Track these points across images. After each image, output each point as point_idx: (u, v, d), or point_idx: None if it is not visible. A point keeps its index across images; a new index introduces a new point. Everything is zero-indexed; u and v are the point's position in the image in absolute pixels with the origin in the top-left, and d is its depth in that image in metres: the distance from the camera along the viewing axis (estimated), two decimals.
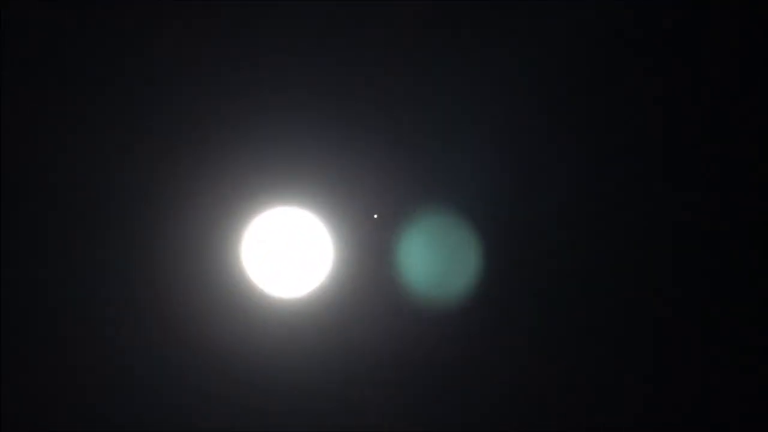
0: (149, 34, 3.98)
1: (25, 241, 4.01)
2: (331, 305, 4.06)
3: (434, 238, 4.04)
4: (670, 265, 4.25)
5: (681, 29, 4.18)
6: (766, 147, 4.29)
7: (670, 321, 4.27)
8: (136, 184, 3.88)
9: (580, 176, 4.15)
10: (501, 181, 4.09)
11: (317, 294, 4.08)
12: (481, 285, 4.02)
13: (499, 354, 4.03)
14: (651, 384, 4.27)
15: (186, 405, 4.00)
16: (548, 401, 4.16)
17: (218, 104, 4.00)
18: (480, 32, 4.10)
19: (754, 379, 4.35)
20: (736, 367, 4.37)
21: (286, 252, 4.10)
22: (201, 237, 3.97)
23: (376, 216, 3.97)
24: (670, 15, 4.19)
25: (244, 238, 4.05)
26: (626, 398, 4.27)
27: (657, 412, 4.29)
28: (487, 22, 4.09)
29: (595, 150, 4.16)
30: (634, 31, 4.16)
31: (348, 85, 4.03)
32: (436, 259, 4.06)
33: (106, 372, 4.01)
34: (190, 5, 3.99)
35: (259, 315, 4.04)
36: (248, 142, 3.99)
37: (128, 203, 3.91)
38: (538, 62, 4.10)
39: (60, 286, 3.98)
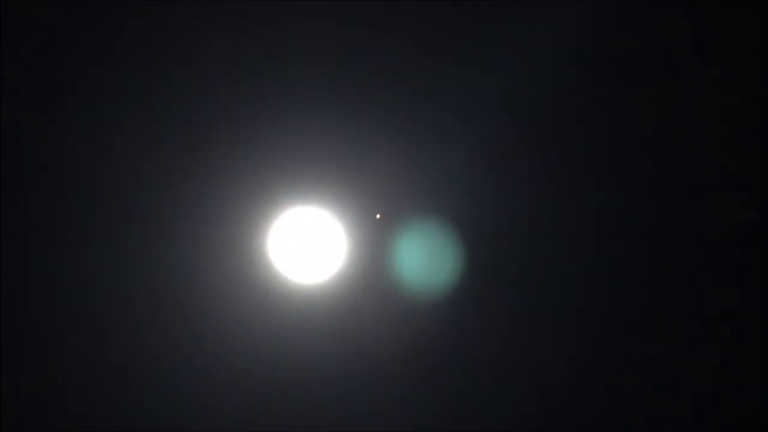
0: (178, 34, 4.20)
1: (65, 234, 4.36)
2: (345, 290, 4.46)
3: (430, 235, 4.41)
4: (646, 260, 4.46)
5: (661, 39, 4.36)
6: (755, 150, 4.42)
7: (648, 308, 4.47)
8: (182, 189, 4.33)
9: (558, 184, 4.41)
10: (490, 186, 4.40)
11: (333, 281, 4.48)
12: (469, 275, 4.37)
13: (485, 334, 4.37)
14: (632, 365, 4.48)
15: (218, 378, 4.44)
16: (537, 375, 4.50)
17: (254, 119, 4.36)
18: (487, 41, 4.31)
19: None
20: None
21: (306, 244, 4.48)
22: (234, 232, 4.41)
23: (378, 216, 4.37)
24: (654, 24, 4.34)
25: (271, 233, 4.46)
26: (607, 379, 4.50)
27: (641, 393, 4.51)
28: (491, 33, 4.31)
29: (575, 160, 4.41)
30: (617, 41, 4.34)
31: (360, 101, 4.34)
32: (433, 252, 4.42)
33: (147, 353, 4.42)
34: (217, 5, 4.22)
35: (283, 298, 4.45)
36: (278, 152, 4.40)
37: (172, 204, 4.34)
38: (533, 72, 4.33)
39: (106, 275, 4.36)
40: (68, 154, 4.33)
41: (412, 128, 4.38)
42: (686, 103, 4.37)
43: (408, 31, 4.31)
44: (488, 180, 4.41)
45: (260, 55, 4.30)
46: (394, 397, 4.44)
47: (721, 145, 4.39)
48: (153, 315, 4.43)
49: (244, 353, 4.46)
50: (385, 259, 4.45)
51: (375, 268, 4.45)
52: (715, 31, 4.34)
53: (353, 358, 4.45)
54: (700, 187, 4.41)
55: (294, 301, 4.47)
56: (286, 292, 4.47)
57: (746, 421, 4.47)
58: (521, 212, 4.39)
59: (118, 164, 4.34)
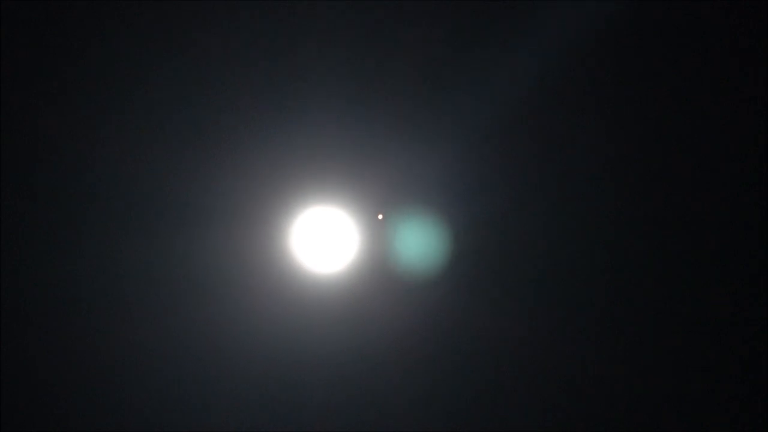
0: (198, 36, 4.35)
1: (107, 229, 4.58)
2: (357, 278, 4.84)
3: (430, 228, 4.83)
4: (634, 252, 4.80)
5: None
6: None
7: (637, 293, 4.81)
8: (213, 190, 4.66)
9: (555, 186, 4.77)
10: (488, 185, 4.79)
11: (346, 270, 4.86)
12: (465, 264, 4.80)
13: (479, 315, 4.78)
14: (623, 349, 4.80)
15: (243, 356, 4.75)
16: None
17: (282, 132, 4.68)
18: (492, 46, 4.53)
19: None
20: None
21: (323, 238, 4.87)
22: (260, 229, 4.77)
23: (380, 216, 4.76)
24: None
25: (292, 230, 4.84)
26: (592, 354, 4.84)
27: (631, 377, 4.80)
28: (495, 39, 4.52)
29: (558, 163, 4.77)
30: (616, 45, 4.53)
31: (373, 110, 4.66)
32: (430, 242, 4.83)
33: (180, 340, 4.69)
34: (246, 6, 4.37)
35: (303, 286, 4.83)
36: (300, 160, 4.76)
37: (207, 205, 4.66)
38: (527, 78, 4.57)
39: (141, 270, 4.63)
40: (103, 154, 4.54)
41: (415, 136, 4.73)
42: (682, 103, 4.60)
43: (418, 35, 4.53)
44: (486, 179, 4.75)
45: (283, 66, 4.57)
46: (398, 374, 4.82)
47: (718, 144, 4.62)
48: (187, 301, 4.76)
49: (266, 334, 4.81)
50: (391, 251, 4.85)
51: (383, 259, 4.85)
52: (715, 30, 4.49)
53: (363, 338, 4.83)
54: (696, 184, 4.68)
55: (312, 288, 4.85)
56: (304, 281, 4.85)
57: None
58: (519, 210, 4.75)
59: (159, 169, 4.63)
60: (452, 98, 4.66)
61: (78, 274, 4.65)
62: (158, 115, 4.57)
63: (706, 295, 4.80)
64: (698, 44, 4.49)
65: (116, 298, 4.69)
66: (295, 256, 4.87)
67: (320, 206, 4.88)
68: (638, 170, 4.71)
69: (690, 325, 4.80)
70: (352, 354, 4.87)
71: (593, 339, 4.83)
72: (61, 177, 4.58)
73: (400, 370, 4.86)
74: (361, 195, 4.84)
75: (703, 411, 4.78)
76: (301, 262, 4.89)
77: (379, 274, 4.87)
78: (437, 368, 4.89)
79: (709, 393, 4.78)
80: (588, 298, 4.82)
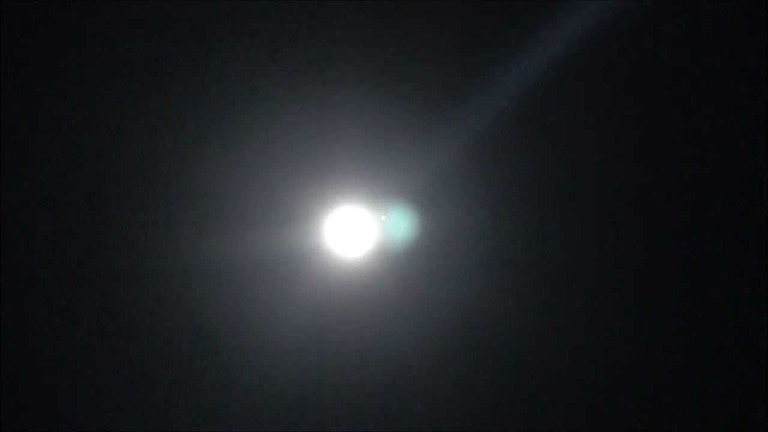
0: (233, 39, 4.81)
1: (162, 220, 5.23)
2: (376, 262, 5.71)
3: (423, 222, 5.73)
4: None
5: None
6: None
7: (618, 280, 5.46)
8: (265, 193, 5.57)
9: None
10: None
11: (368, 254, 5.70)
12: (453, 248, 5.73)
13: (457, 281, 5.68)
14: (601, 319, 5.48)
15: (290, 323, 5.61)
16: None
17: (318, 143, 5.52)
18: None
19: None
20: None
21: (349, 230, 5.68)
22: (299, 224, 5.65)
23: (382, 218, 5.62)
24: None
25: (326, 224, 5.67)
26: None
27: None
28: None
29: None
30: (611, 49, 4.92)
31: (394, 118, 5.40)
32: (432, 235, 5.77)
33: (227, 319, 5.42)
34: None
35: (333, 267, 5.69)
36: (333, 168, 5.60)
37: (256, 203, 5.53)
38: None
39: (205, 252, 5.33)
40: (160, 160, 5.10)
41: (429, 147, 5.52)
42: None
43: (429, 40, 5.03)
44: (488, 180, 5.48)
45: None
46: (403, 333, 5.74)
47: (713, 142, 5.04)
48: (243, 284, 5.65)
49: (304, 306, 5.70)
50: (401, 242, 5.76)
51: (394, 246, 5.74)
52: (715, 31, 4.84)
53: (381, 307, 5.74)
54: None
55: (340, 268, 5.66)
56: (335, 263, 5.69)
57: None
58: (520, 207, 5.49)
59: (206, 173, 5.43)
60: (461, 105, 5.27)
61: (131, 261, 5.38)
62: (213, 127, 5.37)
63: (695, 294, 5.34)
64: (699, 44, 4.85)
65: (178, 283, 5.40)
66: (326, 245, 5.72)
67: (346, 206, 5.73)
68: (638, 169, 5.13)
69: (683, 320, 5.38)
70: (371, 319, 5.78)
71: (596, 336, 5.46)
72: (117, 174, 5.21)
73: (406, 329, 5.79)
74: (378, 197, 5.74)
75: (701, 410, 5.22)
76: (330, 249, 5.72)
77: (391, 259, 5.73)
78: (435, 329, 5.81)
79: (706, 392, 5.22)
80: (590, 296, 5.41)
